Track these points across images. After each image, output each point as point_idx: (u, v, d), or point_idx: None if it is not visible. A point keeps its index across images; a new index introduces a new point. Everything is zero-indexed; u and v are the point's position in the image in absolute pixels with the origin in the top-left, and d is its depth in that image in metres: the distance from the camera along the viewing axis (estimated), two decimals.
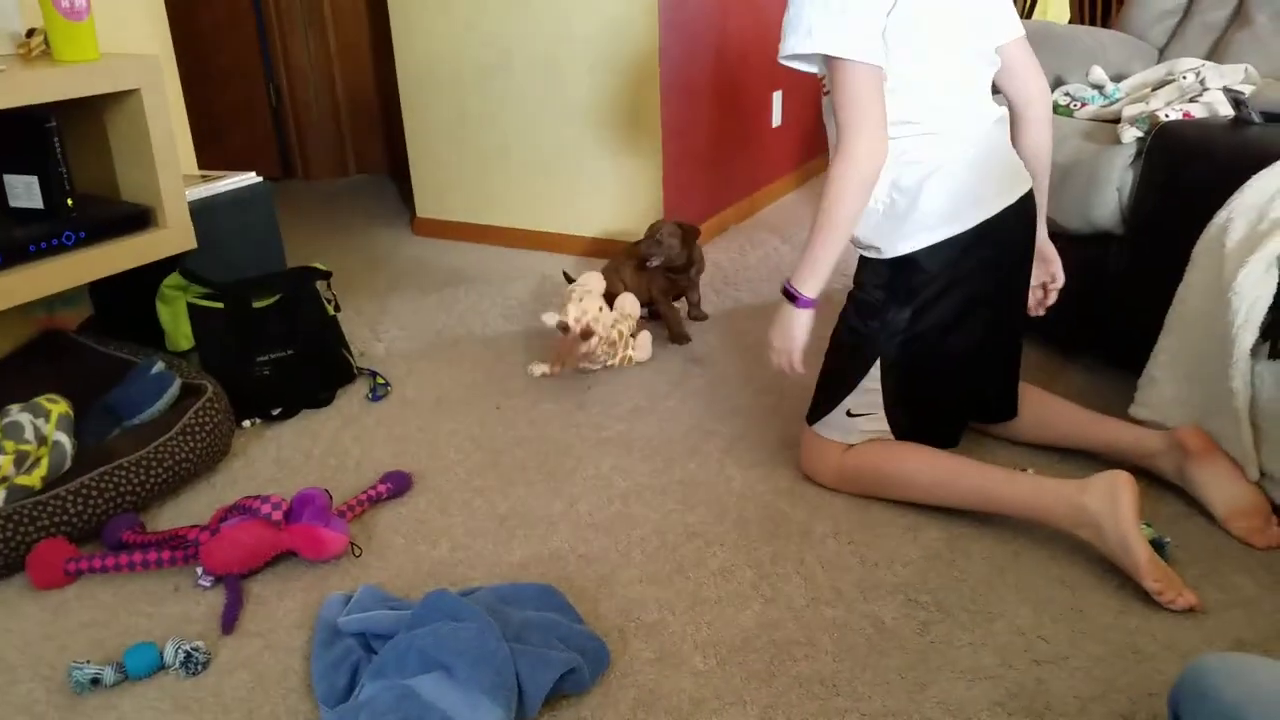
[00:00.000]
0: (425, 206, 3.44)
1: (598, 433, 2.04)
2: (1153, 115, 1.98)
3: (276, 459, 1.97)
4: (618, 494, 1.81)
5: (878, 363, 1.66)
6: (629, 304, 2.37)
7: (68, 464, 1.70)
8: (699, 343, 2.47)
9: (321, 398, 2.19)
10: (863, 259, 1.70)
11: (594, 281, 2.32)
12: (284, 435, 2.06)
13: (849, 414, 1.71)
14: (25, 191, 1.91)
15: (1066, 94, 2.34)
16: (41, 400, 1.75)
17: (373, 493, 1.78)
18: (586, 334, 2.16)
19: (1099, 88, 2.32)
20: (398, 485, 1.82)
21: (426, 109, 3.28)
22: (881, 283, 1.65)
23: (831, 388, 1.74)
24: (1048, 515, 1.57)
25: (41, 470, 1.65)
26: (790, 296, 1.62)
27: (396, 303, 2.80)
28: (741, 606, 1.49)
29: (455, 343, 2.52)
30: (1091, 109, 2.26)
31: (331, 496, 1.70)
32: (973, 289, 1.63)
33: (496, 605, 1.38)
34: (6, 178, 1.93)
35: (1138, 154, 1.97)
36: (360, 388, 2.27)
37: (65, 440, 1.71)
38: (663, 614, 1.48)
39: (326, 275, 2.24)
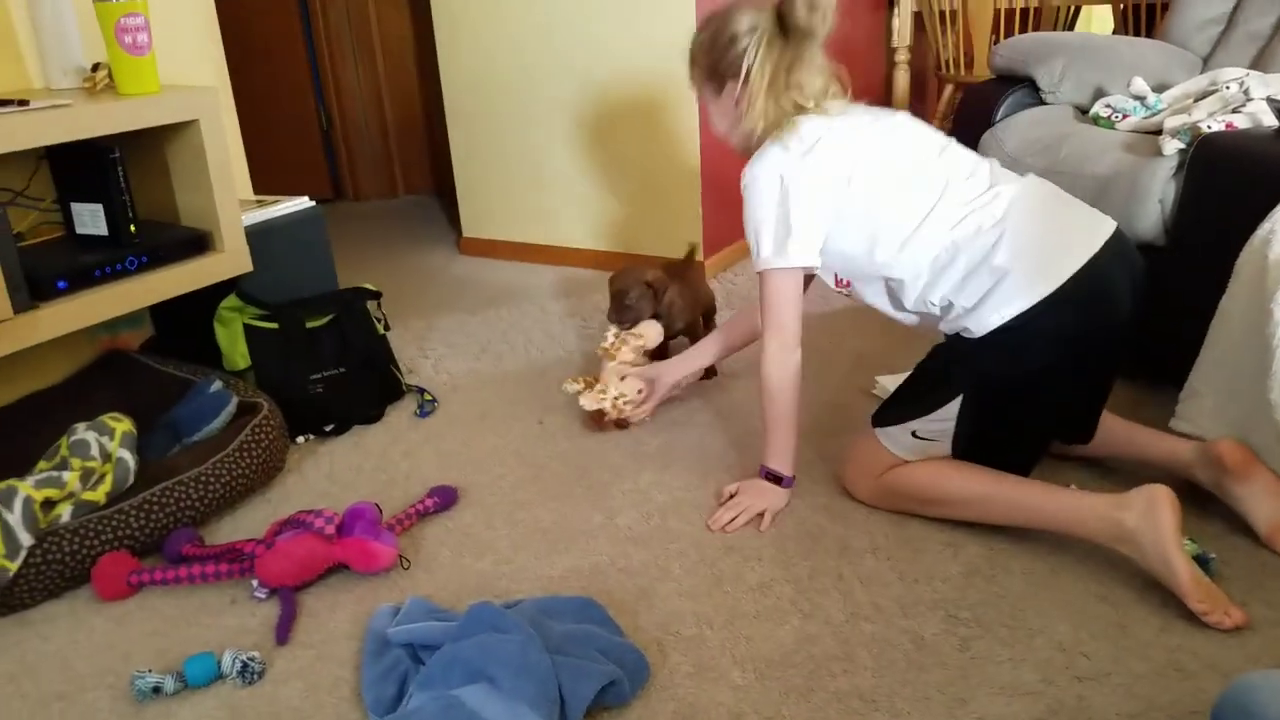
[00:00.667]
0: (471, 226, 3.50)
1: (637, 447, 2.07)
2: (1195, 126, 1.97)
3: (329, 474, 2.03)
4: (656, 508, 1.84)
5: (959, 399, 1.63)
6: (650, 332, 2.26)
7: (131, 480, 1.76)
8: (737, 359, 2.48)
9: (372, 414, 2.25)
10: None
11: (648, 331, 2.24)
12: (336, 451, 2.12)
13: (914, 435, 1.69)
14: (91, 219, 1.99)
15: (1108, 105, 2.33)
16: (106, 419, 1.81)
17: (420, 507, 1.83)
18: (621, 425, 2.13)
19: (1140, 99, 2.30)
20: (444, 499, 1.86)
21: (471, 131, 3.34)
22: (975, 337, 1.61)
23: (907, 403, 1.72)
24: (1087, 531, 1.56)
25: (106, 486, 1.72)
26: (775, 479, 1.79)
27: (443, 321, 2.86)
28: (780, 621, 1.51)
29: (499, 359, 2.57)
30: (1133, 120, 2.25)
31: (381, 510, 1.74)
32: (1067, 341, 1.58)
33: (538, 617, 1.41)
34: (74, 206, 2.01)
35: (1180, 166, 1.96)
36: (409, 404, 2.32)
37: (128, 457, 1.77)
38: (701, 628, 1.50)
39: (376, 295, 2.30)
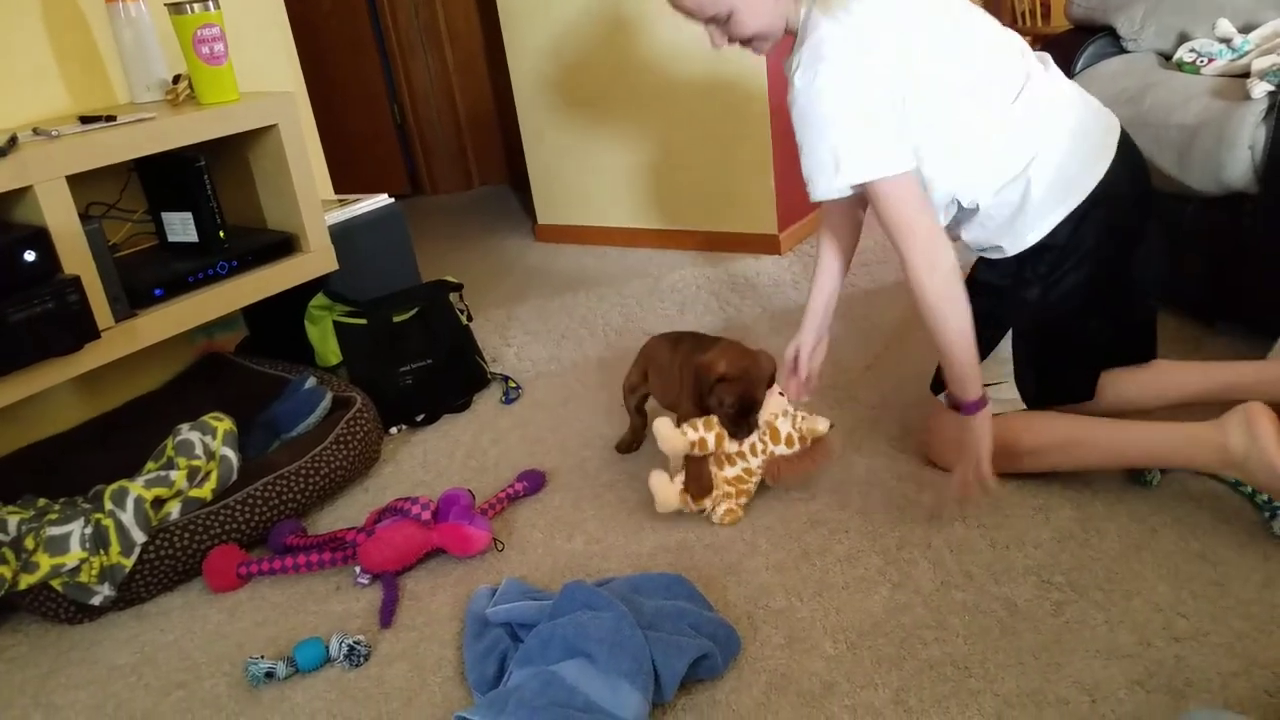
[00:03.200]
0: (545, 213, 3.54)
1: None
2: None
3: (422, 462, 2.08)
4: None
5: (1009, 334, 1.63)
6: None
7: (234, 476, 1.84)
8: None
9: (459, 403, 2.30)
10: (982, 258, 1.67)
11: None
12: (428, 440, 2.18)
13: None
14: (182, 227, 2.07)
15: (1192, 50, 2.25)
16: (208, 419, 1.89)
17: (511, 491, 1.87)
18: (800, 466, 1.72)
19: (1226, 41, 2.22)
20: (533, 483, 1.90)
21: (542, 118, 3.37)
22: (1009, 272, 1.61)
23: None
24: (1191, 462, 1.54)
25: (211, 483, 1.79)
26: (959, 408, 1.58)
27: (523, 309, 2.90)
28: (869, 592, 1.51)
29: (579, 344, 2.60)
30: (1219, 64, 2.17)
31: (474, 496, 1.79)
32: (1099, 253, 1.58)
33: (629, 595, 1.44)
34: (164, 215, 2.09)
35: (1269, 109, 1.88)
36: (494, 392, 2.37)
37: (231, 454, 1.85)
38: (790, 600, 1.51)
39: (458, 287, 2.35)
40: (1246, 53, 2.15)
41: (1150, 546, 1.52)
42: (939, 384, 1.74)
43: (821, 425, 1.68)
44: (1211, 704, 1.23)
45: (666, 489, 1.71)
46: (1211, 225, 2.03)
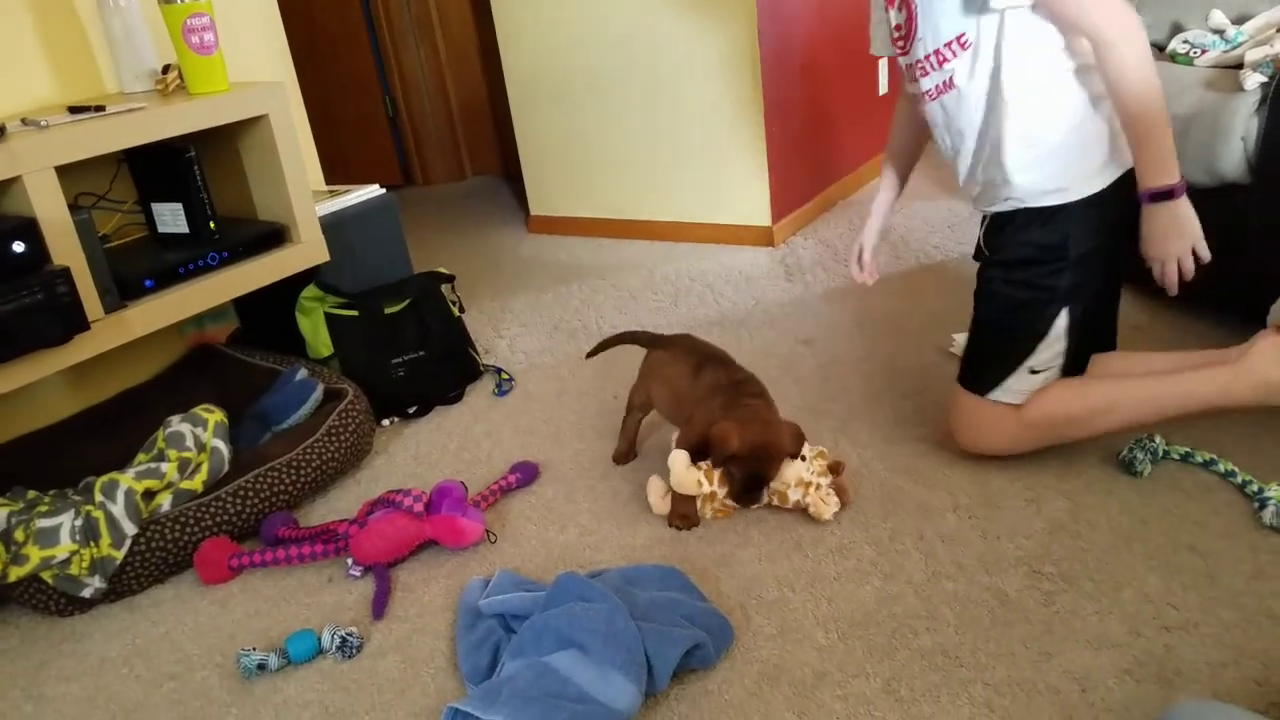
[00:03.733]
0: (538, 204, 3.53)
1: None
2: (1277, 58, 1.90)
3: (415, 455, 2.08)
4: None
5: (1064, 314, 1.62)
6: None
7: (226, 468, 1.83)
8: (810, 324, 2.48)
9: (452, 395, 2.30)
10: (1024, 219, 1.64)
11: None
12: (420, 432, 2.17)
13: (1032, 371, 1.66)
14: (172, 218, 2.06)
15: (1185, 41, 2.25)
16: (199, 410, 1.88)
17: (504, 483, 1.87)
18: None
19: (1220, 32, 2.22)
20: (526, 475, 1.90)
21: (534, 109, 3.36)
22: (1056, 239, 1.60)
23: (1009, 351, 1.67)
24: (1242, 401, 1.56)
25: (202, 475, 1.79)
26: (1168, 195, 1.53)
27: (515, 300, 2.90)
28: (861, 582, 1.52)
29: (572, 336, 2.60)
30: (1212, 55, 2.17)
31: (467, 488, 1.79)
32: (1125, 220, 1.59)
33: (623, 586, 1.44)
34: (154, 206, 2.08)
35: (1262, 100, 1.89)
36: (487, 384, 2.36)
37: (222, 446, 1.84)
38: (783, 591, 1.52)
39: (450, 279, 2.34)
40: (1240, 44, 2.15)
41: (1140, 538, 1.53)
42: (987, 382, 1.69)
43: (828, 514, 1.65)
44: (1201, 694, 1.23)
45: (661, 504, 1.74)
46: (1204, 216, 2.02)
